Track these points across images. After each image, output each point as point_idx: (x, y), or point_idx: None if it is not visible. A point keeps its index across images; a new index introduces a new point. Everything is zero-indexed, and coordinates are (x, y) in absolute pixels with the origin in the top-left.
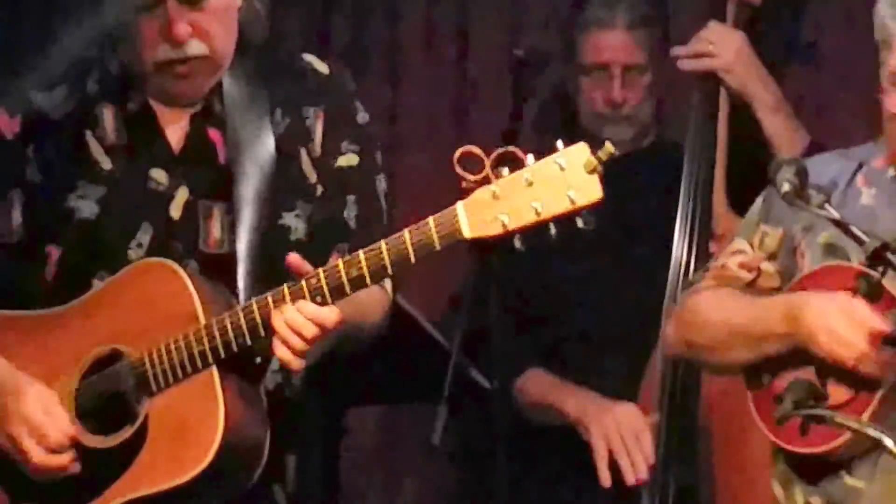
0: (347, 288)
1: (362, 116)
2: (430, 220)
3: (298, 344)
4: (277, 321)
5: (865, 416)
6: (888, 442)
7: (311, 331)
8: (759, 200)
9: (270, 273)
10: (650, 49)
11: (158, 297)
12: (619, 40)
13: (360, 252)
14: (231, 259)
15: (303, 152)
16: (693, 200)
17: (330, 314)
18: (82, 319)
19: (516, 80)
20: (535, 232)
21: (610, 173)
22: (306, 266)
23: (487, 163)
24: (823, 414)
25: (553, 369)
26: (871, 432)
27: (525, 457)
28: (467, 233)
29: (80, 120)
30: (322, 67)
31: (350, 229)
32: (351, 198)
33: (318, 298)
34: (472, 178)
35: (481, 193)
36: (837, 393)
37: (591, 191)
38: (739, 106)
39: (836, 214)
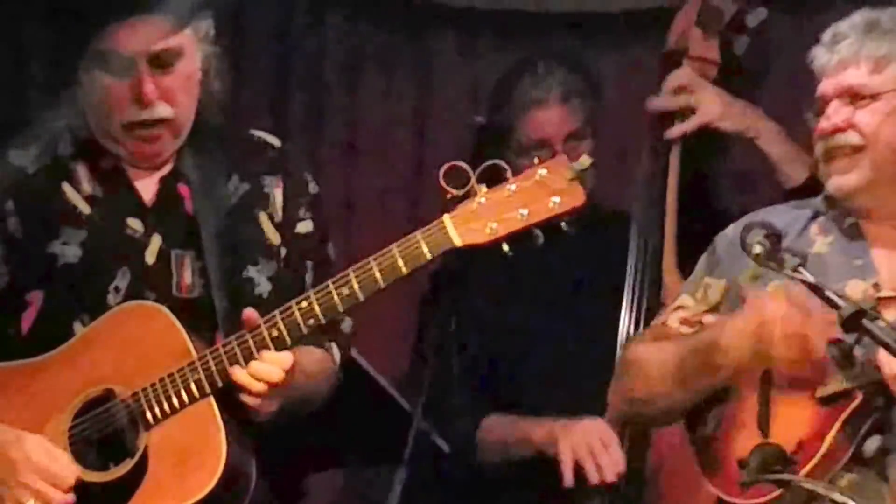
0: (340, 306)
1: (313, 187)
2: (418, 233)
3: (263, 388)
4: (241, 374)
5: (811, 465)
6: None
7: (277, 375)
8: (703, 256)
9: (239, 317)
10: (586, 116)
11: (147, 336)
12: (555, 114)
13: (350, 270)
14: (201, 303)
15: (262, 215)
16: (641, 272)
17: (285, 357)
18: (68, 365)
19: (476, 146)
20: (522, 238)
21: (552, 241)
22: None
23: (473, 176)
24: (789, 479)
25: None
26: (838, 498)
27: None
28: (458, 241)
29: (55, 172)
30: (274, 141)
31: None
32: (309, 263)
33: (311, 321)
34: (456, 192)
35: (468, 204)
36: (784, 441)
37: (573, 196)
38: (688, 172)
39: (810, 278)
